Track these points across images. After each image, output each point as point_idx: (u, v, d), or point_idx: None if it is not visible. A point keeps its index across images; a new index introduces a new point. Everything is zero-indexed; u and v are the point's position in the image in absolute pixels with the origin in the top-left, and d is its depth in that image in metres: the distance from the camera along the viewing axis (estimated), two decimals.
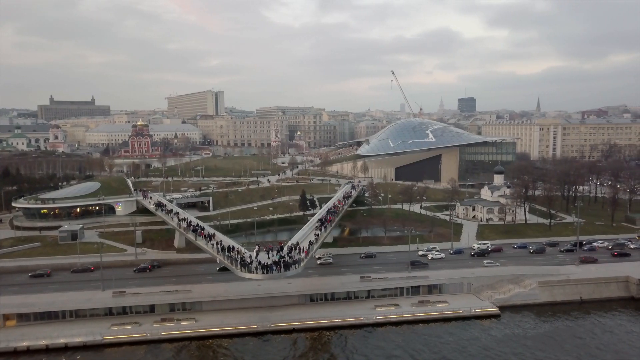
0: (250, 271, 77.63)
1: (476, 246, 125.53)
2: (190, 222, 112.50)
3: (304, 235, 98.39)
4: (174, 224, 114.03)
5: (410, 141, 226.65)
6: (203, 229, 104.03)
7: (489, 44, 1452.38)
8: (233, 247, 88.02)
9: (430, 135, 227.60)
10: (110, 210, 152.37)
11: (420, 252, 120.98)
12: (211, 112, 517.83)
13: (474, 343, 79.74)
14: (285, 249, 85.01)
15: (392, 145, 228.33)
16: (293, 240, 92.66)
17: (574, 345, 79.17)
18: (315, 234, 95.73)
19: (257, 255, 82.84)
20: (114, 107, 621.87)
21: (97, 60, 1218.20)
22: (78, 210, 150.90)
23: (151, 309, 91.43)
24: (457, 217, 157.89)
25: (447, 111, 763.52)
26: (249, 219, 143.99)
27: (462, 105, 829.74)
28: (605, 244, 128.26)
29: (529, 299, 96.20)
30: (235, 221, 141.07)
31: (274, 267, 76.49)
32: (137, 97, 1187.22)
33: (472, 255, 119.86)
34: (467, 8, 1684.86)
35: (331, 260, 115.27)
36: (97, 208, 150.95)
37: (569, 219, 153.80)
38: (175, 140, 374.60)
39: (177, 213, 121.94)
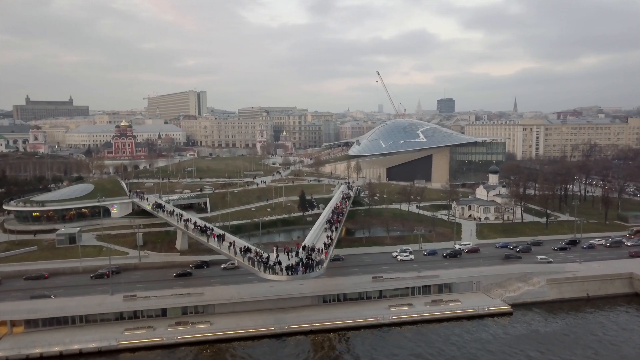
0: (275, 272, 76.81)
1: (457, 246, 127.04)
2: (195, 223, 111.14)
3: (316, 236, 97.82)
4: (180, 225, 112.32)
5: (402, 141, 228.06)
6: (212, 230, 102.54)
7: (464, 45, 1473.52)
8: (249, 249, 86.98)
9: (421, 136, 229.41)
10: (106, 212, 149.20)
11: (394, 253, 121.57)
12: (193, 113, 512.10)
13: (493, 341, 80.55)
14: (304, 250, 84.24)
15: (383, 146, 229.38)
16: (307, 242, 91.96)
17: (589, 341, 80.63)
18: (327, 236, 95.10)
19: (277, 256, 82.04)
20: (92, 108, 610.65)
21: (71, 60, 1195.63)
22: (72, 212, 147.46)
23: (163, 313, 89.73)
24: (454, 216, 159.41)
25: (426, 112, 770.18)
26: (250, 220, 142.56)
27: (441, 105, 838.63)
28: (602, 242, 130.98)
29: (538, 296, 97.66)
30: (236, 222, 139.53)
31: (298, 269, 75.81)
32: (113, 97, 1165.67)
33: (445, 257, 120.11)
34: (444, 10, 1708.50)
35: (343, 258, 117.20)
36: (91, 210, 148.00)
37: (562, 217, 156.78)
38: (159, 141, 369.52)
39: (181, 215, 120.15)
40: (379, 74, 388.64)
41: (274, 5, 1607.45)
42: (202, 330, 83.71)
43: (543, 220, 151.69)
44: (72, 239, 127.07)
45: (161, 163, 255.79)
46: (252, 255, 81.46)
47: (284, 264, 77.29)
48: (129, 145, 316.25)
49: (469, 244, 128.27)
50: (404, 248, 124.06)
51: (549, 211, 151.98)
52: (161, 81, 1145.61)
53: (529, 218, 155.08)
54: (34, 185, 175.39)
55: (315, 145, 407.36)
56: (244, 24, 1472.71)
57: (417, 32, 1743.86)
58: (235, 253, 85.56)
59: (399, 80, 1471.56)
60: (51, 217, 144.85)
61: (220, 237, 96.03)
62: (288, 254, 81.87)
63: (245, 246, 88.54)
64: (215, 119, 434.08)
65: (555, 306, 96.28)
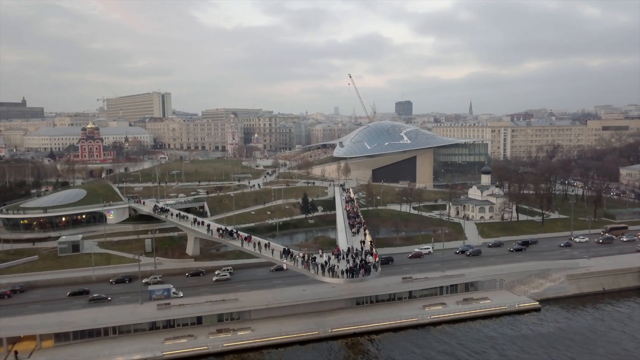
0: (335, 276, 76.12)
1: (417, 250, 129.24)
2: (209, 226, 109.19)
3: (348, 240, 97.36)
4: (201, 230, 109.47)
5: (387, 143, 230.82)
6: (238, 232, 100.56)
7: (416, 50, 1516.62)
8: (289, 251, 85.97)
9: (405, 138, 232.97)
10: (101, 218, 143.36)
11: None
12: (158, 115, 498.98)
13: (539, 337, 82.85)
14: (349, 253, 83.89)
15: (368, 148, 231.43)
16: (342, 245, 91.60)
17: (628, 331, 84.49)
18: (361, 240, 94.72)
19: (329, 258, 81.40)
20: (44, 109, 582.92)
21: (14, 59, 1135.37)
22: (64, 219, 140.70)
23: (198, 321, 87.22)
24: (449, 216, 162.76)
25: (385, 114, 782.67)
26: (262, 223, 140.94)
27: (399, 108, 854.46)
28: (585, 239, 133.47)
29: (559, 292, 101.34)
30: (244, 225, 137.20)
31: (359, 272, 75.51)
32: (62, 98, 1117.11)
33: (410, 257, 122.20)
34: (397, 15, 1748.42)
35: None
36: (87, 217, 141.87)
37: (552, 215, 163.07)
38: (127, 144, 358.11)
39: (195, 219, 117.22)
40: (350, 76, 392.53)
41: (227, 6, 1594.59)
42: (245, 337, 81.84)
43: (536, 218, 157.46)
44: (75, 246, 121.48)
45: (134, 167, 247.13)
46: (301, 258, 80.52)
47: (341, 267, 76.76)
48: (96, 148, 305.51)
49: (429, 248, 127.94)
50: (425, 247, 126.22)
51: (545, 212, 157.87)
52: (111, 82, 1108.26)
53: (522, 217, 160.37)
54: (15, 192, 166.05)
55: (286, 148, 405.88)
56: (197, 24, 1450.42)
57: (371, 35, 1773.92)
58: (281, 256, 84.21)
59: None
60: (44, 225, 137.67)
61: (254, 242, 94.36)
62: (338, 257, 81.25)
63: (286, 248, 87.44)
64: (184, 121, 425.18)
65: (575, 301, 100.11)
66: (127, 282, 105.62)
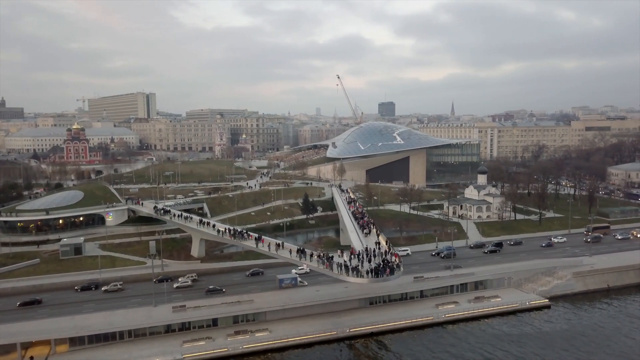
0: (360, 276, 76.21)
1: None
2: (215, 226, 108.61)
3: (361, 240, 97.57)
4: (210, 231, 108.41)
5: (380, 144, 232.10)
6: (248, 233, 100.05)
7: (397, 51, 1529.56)
8: (304, 250, 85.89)
9: (398, 138, 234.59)
10: (100, 220, 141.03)
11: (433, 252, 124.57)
12: (142, 115, 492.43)
13: (554, 334, 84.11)
14: (367, 253, 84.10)
15: (362, 148, 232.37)
16: (357, 245, 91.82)
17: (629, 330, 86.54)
18: (376, 242, 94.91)
19: (350, 259, 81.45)
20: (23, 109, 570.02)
21: None
22: (61, 221, 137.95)
23: (214, 323, 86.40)
24: (446, 215, 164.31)
25: (368, 115, 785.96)
26: (267, 223, 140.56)
27: (382, 109, 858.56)
28: (563, 240, 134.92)
29: (567, 289, 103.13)
30: (246, 226, 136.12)
31: (384, 272, 75.76)
32: (40, 99, 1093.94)
33: (486, 252, 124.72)
34: (377, 17, 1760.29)
35: None
36: (86, 219, 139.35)
37: (548, 214, 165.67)
38: (112, 145, 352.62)
39: (201, 220, 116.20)
40: (339, 77, 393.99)
41: (207, 6, 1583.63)
42: (264, 339, 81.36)
43: (532, 217, 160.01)
44: (77, 249, 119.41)
45: (124, 168, 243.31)
46: (318, 258, 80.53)
47: (366, 267, 76.95)
48: (82, 149, 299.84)
49: (407, 250, 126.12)
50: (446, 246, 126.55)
51: (531, 209, 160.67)
52: (88, 82, 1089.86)
53: (519, 216, 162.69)
54: (7, 194, 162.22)
55: (273, 148, 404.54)
56: (176, 24, 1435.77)
57: (352, 37, 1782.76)
58: (301, 257, 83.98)
59: (332, 84, 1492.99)
60: (41, 227, 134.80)
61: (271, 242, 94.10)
62: (358, 257, 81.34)
63: (300, 248, 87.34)
64: (170, 121, 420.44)
65: (583, 297, 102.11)
66: (93, 289, 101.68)
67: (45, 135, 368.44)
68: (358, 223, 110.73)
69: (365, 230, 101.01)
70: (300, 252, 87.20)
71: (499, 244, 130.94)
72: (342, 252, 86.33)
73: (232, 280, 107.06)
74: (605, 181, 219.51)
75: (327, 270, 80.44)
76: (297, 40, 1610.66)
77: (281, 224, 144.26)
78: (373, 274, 75.60)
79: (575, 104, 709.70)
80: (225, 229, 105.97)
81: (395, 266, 78.27)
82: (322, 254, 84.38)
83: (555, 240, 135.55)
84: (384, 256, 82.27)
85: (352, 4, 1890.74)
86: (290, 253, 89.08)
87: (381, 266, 77.29)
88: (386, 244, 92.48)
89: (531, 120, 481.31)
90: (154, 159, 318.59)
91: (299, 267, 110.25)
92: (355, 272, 76.60)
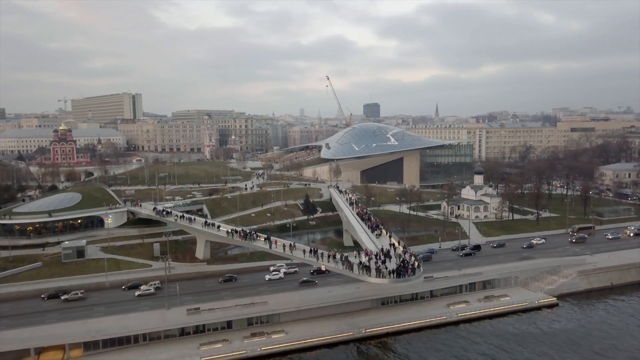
0: (383, 276, 76.37)
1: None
2: (220, 227, 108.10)
3: (373, 241, 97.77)
4: (220, 233, 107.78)
5: (374, 145, 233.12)
6: (257, 234, 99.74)
7: (380, 53, 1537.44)
8: (316, 251, 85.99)
9: (392, 139, 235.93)
10: (99, 222, 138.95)
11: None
12: (128, 116, 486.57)
13: (569, 332, 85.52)
14: (383, 254, 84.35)
15: (357, 149, 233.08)
16: (370, 246, 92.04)
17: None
18: (390, 243, 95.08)
19: (369, 260, 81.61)
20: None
21: None
22: (60, 224, 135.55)
23: (228, 325, 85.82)
24: (444, 215, 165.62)
25: (355, 116, 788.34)
26: (272, 224, 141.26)
27: (367, 110, 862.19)
28: (542, 241, 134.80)
29: (572, 287, 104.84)
30: (248, 228, 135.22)
31: (405, 272, 76.11)
32: (16, 99, 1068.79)
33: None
34: (361, 19, 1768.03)
35: None
36: (85, 221, 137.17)
37: (543, 214, 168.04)
38: (100, 146, 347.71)
39: (206, 221, 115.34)
40: (328, 78, 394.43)
41: (189, 6, 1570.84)
42: (281, 340, 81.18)
43: (529, 217, 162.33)
44: (79, 252, 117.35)
45: (116, 170, 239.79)
46: (333, 258, 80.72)
47: (389, 267, 77.39)
48: (69, 150, 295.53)
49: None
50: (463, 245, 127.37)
51: (527, 209, 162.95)
52: (68, 83, 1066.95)
53: (516, 216, 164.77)
54: (0, 196, 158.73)
55: (262, 149, 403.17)
56: (157, 24, 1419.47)
57: (335, 38, 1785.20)
58: (318, 258, 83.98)
59: (315, 85, 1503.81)
60: (39, 230, 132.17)
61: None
62: (377, 257, 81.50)
63: (313, 249, 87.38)
64: (158, 122, 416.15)
65: (587, 295, 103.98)
66: (60, 297, 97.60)
67: (30, 136, 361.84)
68: (366, 224, 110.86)
69: (376, 232, 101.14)
70: (313, 252, 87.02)
71: (477, 247, 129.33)
72: (358, 253, 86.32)
73: (205, 287, 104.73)
74: (595, 181, 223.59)
75: (346, 270, 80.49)
76: (280, 41, 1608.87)
77: (283, 225, 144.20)
78: (395, 274, 75.65)
79: (555, 106, 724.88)
80: (231, 230, 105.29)
81: (416, 266, 78.51)
82: (335, 254, 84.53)
83: (535, 241, 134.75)
84: (402, 257, 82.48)
85: (336, 5, 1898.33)
86: (304, 253, 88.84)
87: (401, 266, 77.48)
88: (398, 244, 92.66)
89: (515, 122, 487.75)
90: (142, 160, 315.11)
91: (273, 272, 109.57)
92: (377, 273, 76.66)
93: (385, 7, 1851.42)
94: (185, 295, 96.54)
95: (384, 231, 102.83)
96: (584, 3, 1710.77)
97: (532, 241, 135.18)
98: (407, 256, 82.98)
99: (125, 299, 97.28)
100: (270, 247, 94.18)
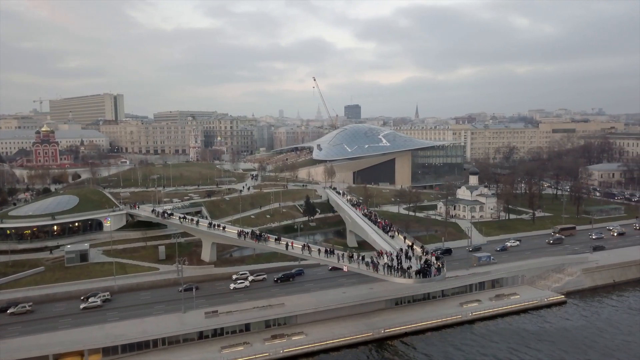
0: (409, 277, 76.77)
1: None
2: (225, 228, 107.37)
3: (389, 242, 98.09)
4: (229, 235, 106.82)
5: (367, 146, 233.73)
6: (267, 235, 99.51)
7: (358, 54, 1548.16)
8: (332, 251, 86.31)
9: (384, 140, 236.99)
10: (98, 225, 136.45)
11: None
12: (110, 117, 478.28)
13: (579, 330, 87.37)
14: (402, 254, 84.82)
15: (349, 150, 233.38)
16: (386, 247, 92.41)
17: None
18: (408, 245, 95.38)
19: (392, 260, 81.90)
20: None
21: None
22: (56, 227, 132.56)
23: (246, 328, 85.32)
24: (441, 215, 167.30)
25: (337, 118, 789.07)
26: (278, 224, 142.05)
27: (348, 112, 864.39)
28: (516, 243, 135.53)
29: (578, 285, 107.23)
30: (249, 229, 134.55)
31: (429, 272, 76.75)
32: None
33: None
34: (339, 21, 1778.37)
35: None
36: (84, 224, 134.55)
37: (538, 214, 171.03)
38: (83, 148, 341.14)
39: (211, 223, 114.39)
40: (315, 79, 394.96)
41: (166, 6, 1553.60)
42: (301, 342, 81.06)
43: (523, 216, 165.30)
44: (83, 256, 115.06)
45: (105, 172, 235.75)
46: (351, 258, 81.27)
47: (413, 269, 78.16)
48: (52, 152, 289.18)
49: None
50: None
51: (520, 208, 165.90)
52: (41, 83, 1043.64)
53: (512, 216, 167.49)
54: None
55: (247, 151, 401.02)
56: (133, 24, 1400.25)
57: (314, 40, 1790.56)
58: (339, 259, 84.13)
59: (294, 87, 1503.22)
60: (37, 234, 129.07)
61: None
62: (398, 259, 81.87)
63: (328, 249, 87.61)
64: (142, 123, 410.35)
65: (592, 293, 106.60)
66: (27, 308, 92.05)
67: (9, 137, 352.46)
68: (376, 225, 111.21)
69: (390, 233, 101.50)
70: (329, 252, 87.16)
71: (448, 250, 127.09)
72: (377, 254, 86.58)
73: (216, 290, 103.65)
74: (580, 181, 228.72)
75: (369, 271, 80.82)
76: (259, 43, 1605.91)
77: (285, 226, 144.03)
78: (421, 275, 76.21)
79: (530, 107, 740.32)
80: (240, 231, 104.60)
81: (440, 266, 79.28)
82: (352, 254, 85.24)
83: (509, 244, 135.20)
84: (424, 257, 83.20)
85: (315, 7, 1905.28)
86: (319, 254, 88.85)
87: (425, 267, 78.17)
88: (421, 246, 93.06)
89: (496, 123, 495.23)
90: (128, 162, 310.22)
91: (238, 281, 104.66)
92: (402, 273, 77.09)
93: (364, 9, 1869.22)
94: (199, 298, 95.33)
95: (396, 232, 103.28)
96: (557, 7, 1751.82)
97: (507, 243, 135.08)
98: (428, 256, 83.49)
99: (139, 303, 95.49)
100: (287, 249, 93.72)
